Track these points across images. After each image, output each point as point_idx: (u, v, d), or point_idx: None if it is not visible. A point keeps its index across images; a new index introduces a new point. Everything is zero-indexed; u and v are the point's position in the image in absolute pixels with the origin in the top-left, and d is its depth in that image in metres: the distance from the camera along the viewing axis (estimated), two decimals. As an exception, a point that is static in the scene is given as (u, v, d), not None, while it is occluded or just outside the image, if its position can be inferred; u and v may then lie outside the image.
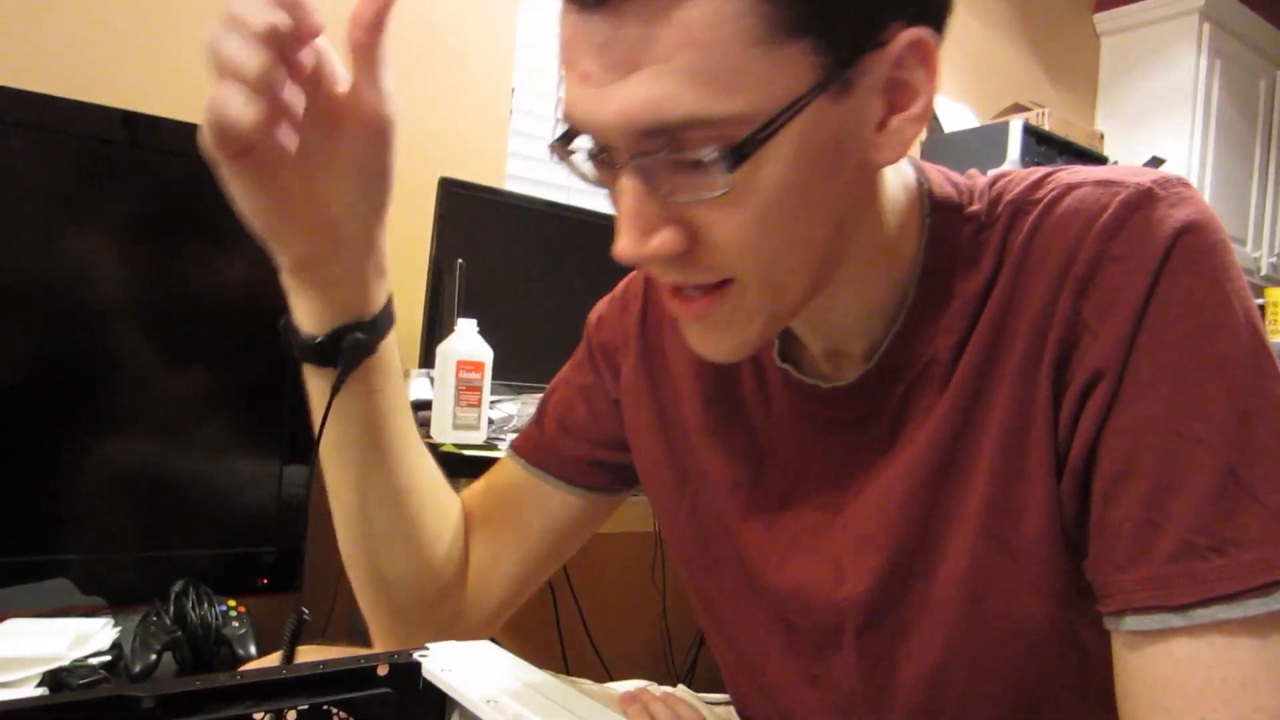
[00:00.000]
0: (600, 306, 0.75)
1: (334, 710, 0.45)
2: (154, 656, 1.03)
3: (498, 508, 0.72)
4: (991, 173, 0.58)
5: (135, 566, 1.22)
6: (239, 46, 0.45)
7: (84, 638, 1.04)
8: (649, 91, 0.44)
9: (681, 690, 0.74)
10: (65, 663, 0.99)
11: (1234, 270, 0.47)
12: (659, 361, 0.68)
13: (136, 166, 1.19)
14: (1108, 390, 0.47)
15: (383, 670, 0.48)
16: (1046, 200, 0.52)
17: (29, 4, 1.31)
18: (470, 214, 1.48)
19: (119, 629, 1.09)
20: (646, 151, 0.46)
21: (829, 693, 0.58)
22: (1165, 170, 0.57)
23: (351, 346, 0.58)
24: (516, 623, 0.74)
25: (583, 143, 0.50)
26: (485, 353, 1.15)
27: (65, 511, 1.18)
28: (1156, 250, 0.47)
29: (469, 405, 1.12)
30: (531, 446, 0.73)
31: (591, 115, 0.46)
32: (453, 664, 0.48)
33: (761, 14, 0.43)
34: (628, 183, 0.47)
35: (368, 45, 0.51)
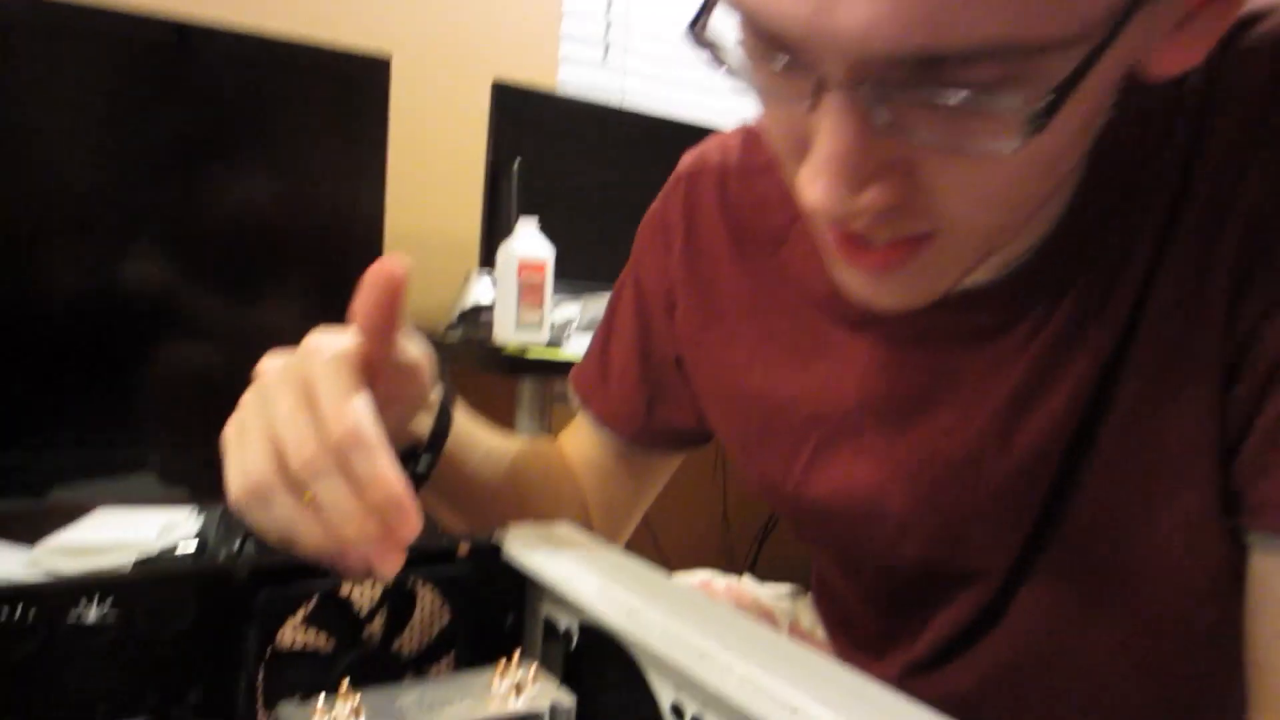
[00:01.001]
0: (638, 245, 0.69)
1: (418, 583, 0.47)
2: (236, 545, 1.08)
3: (587, 473, 0.72)
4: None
5: (216, 461, 1.27)
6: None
7: (171, 527, 1.09)
8: (925, 4, 0.31)
9: (746, 581, 0.75)
10: (154, 549, 1.04)
11: None
12: (715, 297, 0.63)
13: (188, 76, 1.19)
14: None
15: (464, 550, 0.49)
16: (1231, 54, 0.42)
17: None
18: (525, 116, 1.46)
19: (202, 520, 1.14)
20: (893, 83, 0.33)
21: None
22: None
23: (423, 473, 0.56)
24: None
25: (731, 28, 0.38)
26: (547, 252, 1.15)
27: (150, 410, 1.22)
28: None
29: (531, 305, 1.12)
30: (603, 408, 0.71)
31: (814, 20, 0.33)
32: (534, 545, 0.49)
33: None
34: (843, 116, 0.35)
35: (384, 328, 0.45)
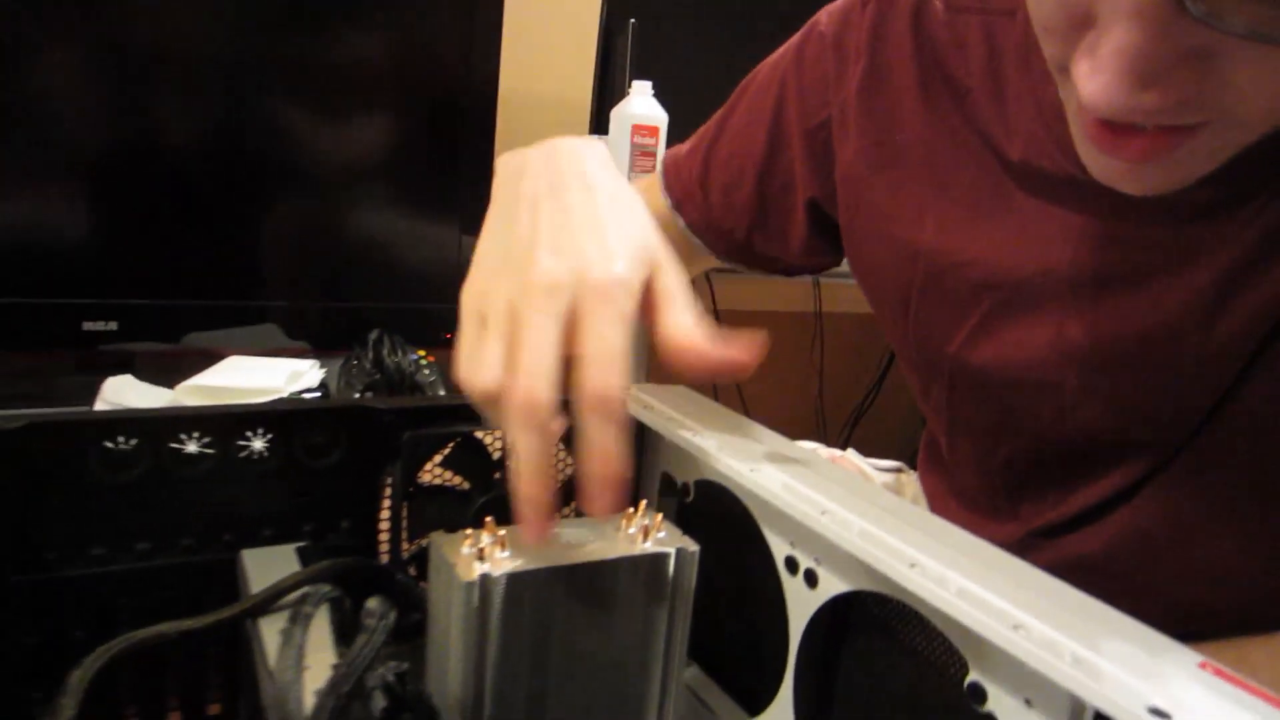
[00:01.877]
0: (791, 63, 0.64)
1: (547, 435, 0.49)
2: (357, 395, 1.14)
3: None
4: None
5: (335, 315, 1.33)
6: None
7: (297, 374, 1.15)
8: None
9: (851, 453, 0.77)
10: (284, 394, 1.10)
11: None
12: (893, 140, 0.58)
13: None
14: None
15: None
16: None
17: None
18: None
19: (324, 370, 1.21)
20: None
21: None
22: None
23: None
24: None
25: None
26: (661, 116, 1.13)
27: (271, 263, 1.28)
28: None
29: (644, 170, 1.12)
30: (698, 217, 0.69)
31: None
32: (654, 403, 0.51)
33: None
34: (1146, 5, 0.32)
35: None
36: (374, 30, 1.24)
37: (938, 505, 0.67)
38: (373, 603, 0.34)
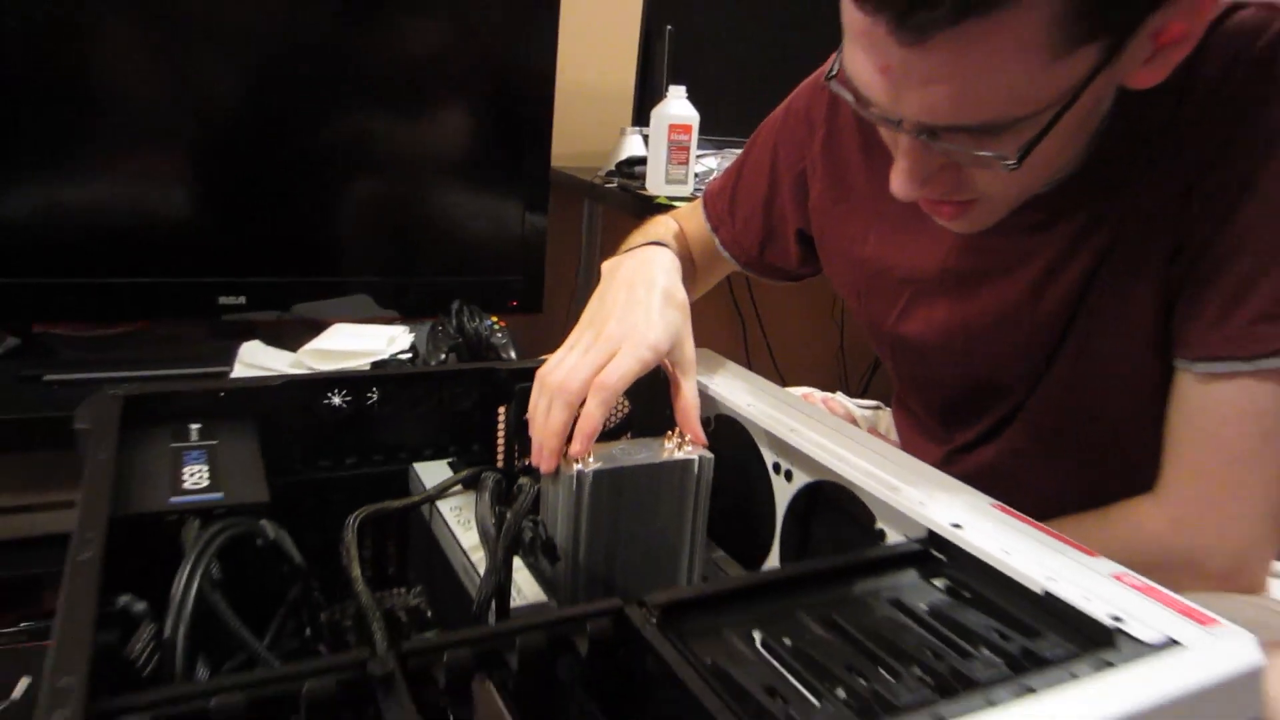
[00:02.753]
0: (780, 126, 0.86)
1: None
2: (444, 355, 1.37)
3: (699, 255, 0.94)
4: None
5: (419, 288, 1.55)
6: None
7: (393, 339, 1.38)
8: (952, 102, 0.50)
9: (840, 395, 0.98)
10: (385, 356, 1.33)
11: None
12: (845, 182, 0.80)
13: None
14: (1235, 196, 0.58)
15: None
16: (1216, 23, 0.58)
17: None
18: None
19: (413, 335, 1.43)
20: (935, 134, 0.53)
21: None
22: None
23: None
24: (713, 343, 0.99)
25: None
26: (693, 116, 1.33)
27: (363, 242, 1.51)
28: None
29: (678, 163, 1.32)
30: (728, 237, 0.92)
31: (889, 102, 0.53)
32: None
33: (1056, 33, 0.47)
34: (910, 144, 0.56)
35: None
36: (442, 25, 1.44)
37: (903, 431, 0.89)
38: (524, 480, 0.56)
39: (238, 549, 0.47)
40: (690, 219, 0.96)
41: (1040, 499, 0.62)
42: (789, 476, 0.63)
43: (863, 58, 0.53)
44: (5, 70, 1.22)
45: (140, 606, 0.43)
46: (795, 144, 0.86)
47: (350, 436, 0.66)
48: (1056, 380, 0.69)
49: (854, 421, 0.92)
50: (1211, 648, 0.38)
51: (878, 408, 0.95)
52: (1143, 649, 0.38)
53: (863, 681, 0.38)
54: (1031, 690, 0.36)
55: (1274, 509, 0.60)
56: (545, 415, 0.58)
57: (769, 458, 0.64)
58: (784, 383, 0.82)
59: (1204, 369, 0.61)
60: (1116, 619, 0.40)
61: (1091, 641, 0.40)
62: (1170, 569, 0.59)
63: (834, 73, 0.60)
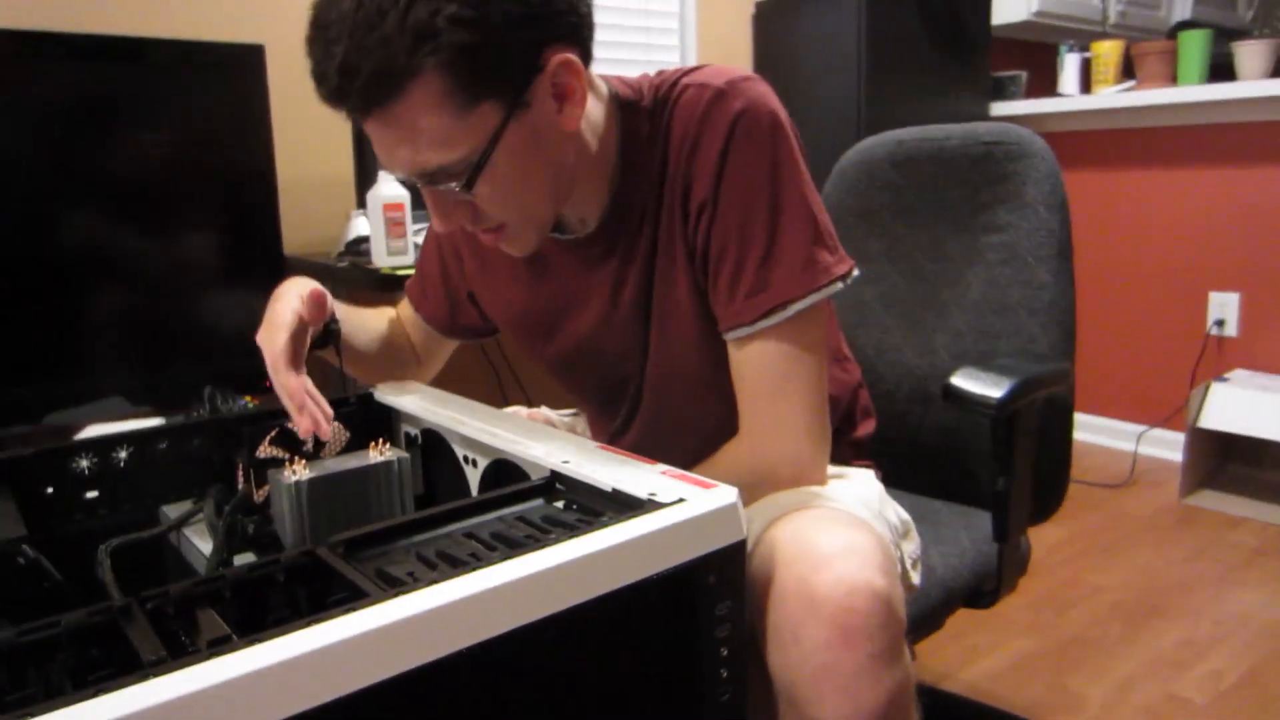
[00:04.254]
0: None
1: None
2: (201, 439, 1.46)
3: (416, 337, 1.12)
4: (656, 72, 0.88)
5: (170, 380, 1.62)
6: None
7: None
8: (409, 156, 0.74)
9: (544, 408, 1.18)
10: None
11: (779, 133, 0.82)
12: (476, 243, 0.97)
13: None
14: (709, 211, 0.82)
15: (353, 398, 0.90)
16: (674, 96, 0.84)
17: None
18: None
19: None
20: (426, 180, 0.77)
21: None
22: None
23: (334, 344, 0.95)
24: (475, 391, 1.15)
25: None
26: (404, 195, 1.51)
27: (108, 343, 1.56)
28: (724, 127, 0.80)
29: (397, 237, 1.50)
30: (427, 313, 1.10)
31: (389, 165, 0.77)
32: (394, 392, 0.89)
33: (452, 100, 0.70)
34: (427, 191, 0.79)
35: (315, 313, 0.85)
36: (167, 136, 1.54)
37: (592, 427, 1.09)
38: (242, 486, 0.71)
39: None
40: (403, 307, 1.14)
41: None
42: (474, 464, 0.81)
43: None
44: None
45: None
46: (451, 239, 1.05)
47: (102, 492, 0.78)
48: (655, 362, 0.92)
49: (552, 424, 1.12)
50: (703, 497, 0.60)
51: (575, 414, 1.15)
52: (659, 505, 0.59)
53: (473, 559, 0.56)
54: (565, 539, 0.56)
55: (810, 423, 0.84)
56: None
57: (460, 452, 0.83)
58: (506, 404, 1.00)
59: (731, 336, 0.84)
60: (652, 494, 0.61)
61: (630, 509, 0.60)
62: (758, 484, 0.82)
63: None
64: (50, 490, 0.76)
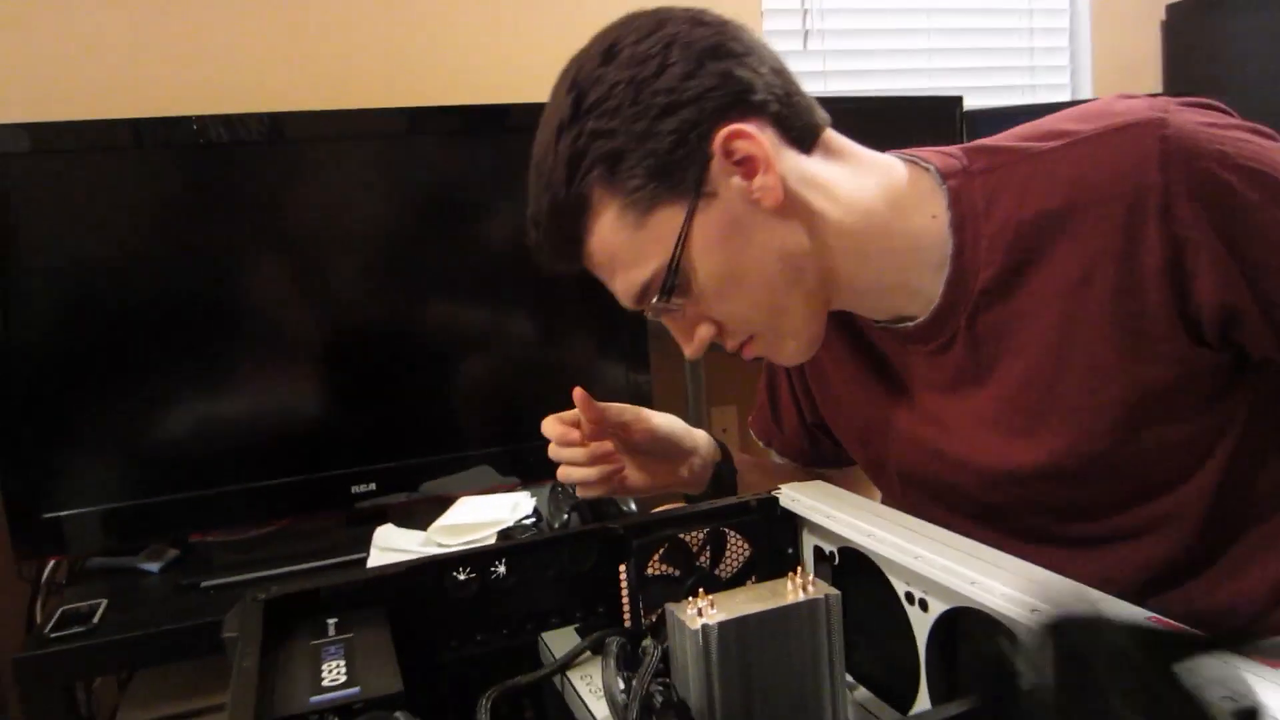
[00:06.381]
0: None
1: (726, 530, 0.71)
2: (565, 515, 1.38)
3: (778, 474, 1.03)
4: (965, 145, 0.75)
5: (534, 451, 1.59)
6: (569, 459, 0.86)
7: (516, 504, 1.41)
8: (621, 289, 0.73)
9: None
10: (509, 524, 1.36)
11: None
12: (818, 365, 0.92)
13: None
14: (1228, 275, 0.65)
15: (752, 504, 0.73)
16: (1049, 149, 0.69)
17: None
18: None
19: (535, 498, 1.46)
20: (645, 305, 0.74)
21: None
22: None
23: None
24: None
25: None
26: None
27: (477, 417, 1.56)
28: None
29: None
30: (789, 450, 1.05)
31: (623, 303, 0.75)
32: (801, 496, 0.71)
33: (628, 215, 0.68)
34: (663, 317, 0.76)
35: (598, 424, 0.85)
36: (506, 210, 1.53)
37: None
38: (647, 641, 0.56)
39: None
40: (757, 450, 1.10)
41: None
42: (925, 606, 0.60)
43: None
44: (157, 310, 1.35)
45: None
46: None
47: (478, 612, 0.67)
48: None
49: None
50: None
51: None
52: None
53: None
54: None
55: None
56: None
57: (901, 588, 0.62)
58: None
59: None
60: None
61: None
62: None
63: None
64: (424, 613, 0.66)
